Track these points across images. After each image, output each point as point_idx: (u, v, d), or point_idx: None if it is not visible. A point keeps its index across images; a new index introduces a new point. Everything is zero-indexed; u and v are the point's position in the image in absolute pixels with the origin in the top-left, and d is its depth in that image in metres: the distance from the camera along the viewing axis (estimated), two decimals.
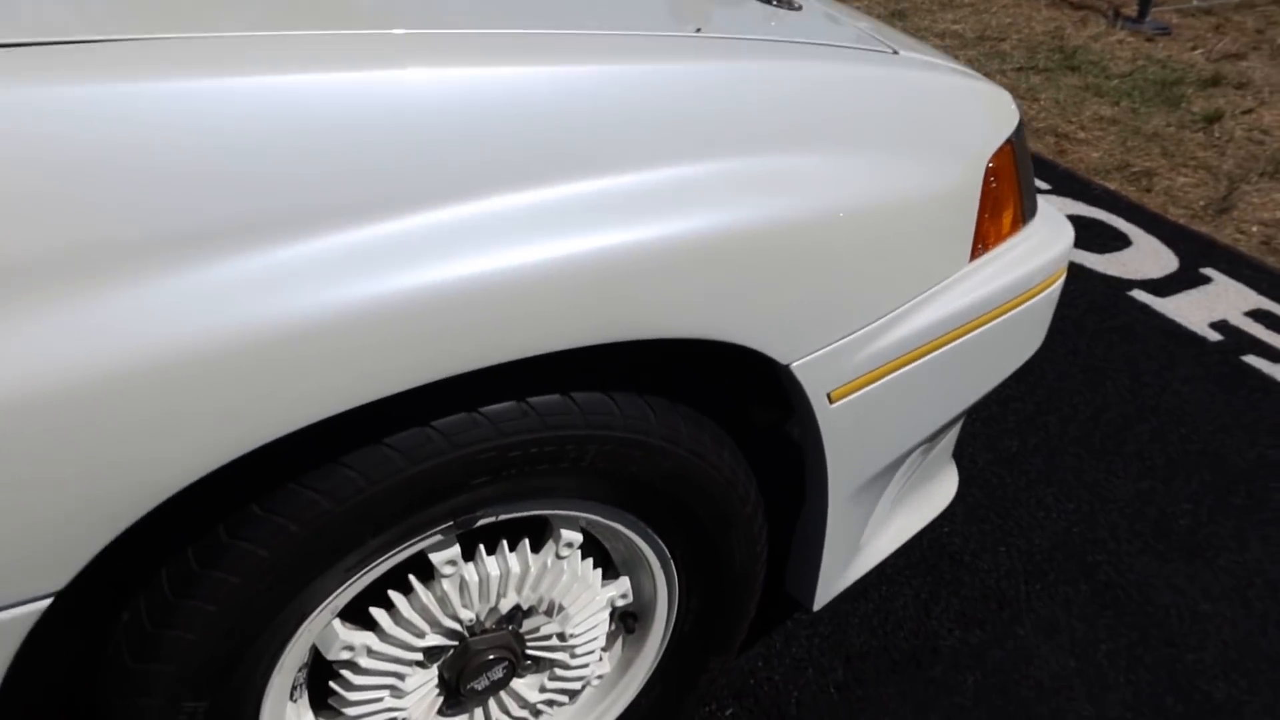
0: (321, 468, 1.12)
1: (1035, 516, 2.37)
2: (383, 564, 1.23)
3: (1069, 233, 1.81)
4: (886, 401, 1.54)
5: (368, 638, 1.31)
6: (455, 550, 1.31)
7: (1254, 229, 3.82)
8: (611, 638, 1.61)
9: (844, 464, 1.54)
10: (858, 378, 1.46)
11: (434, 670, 1.41)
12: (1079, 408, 2.75)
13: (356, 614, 1.31)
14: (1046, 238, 1.74)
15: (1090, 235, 3.63)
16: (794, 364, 1.35)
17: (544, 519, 1.43)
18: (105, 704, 1.14)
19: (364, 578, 1.23)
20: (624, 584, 1.52)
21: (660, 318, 1.18)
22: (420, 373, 1.04)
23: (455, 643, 1.39)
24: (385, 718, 1.38)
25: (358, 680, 1.33)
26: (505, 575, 1.37)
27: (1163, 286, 3.36)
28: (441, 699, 1.44)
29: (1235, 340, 3.10)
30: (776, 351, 1.32)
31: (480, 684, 1.42)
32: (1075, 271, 3.40)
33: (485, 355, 1.07)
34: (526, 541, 1.38)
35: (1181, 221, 3.84)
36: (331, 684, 1.34)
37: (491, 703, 1.49)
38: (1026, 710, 1.93)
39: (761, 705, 1.90)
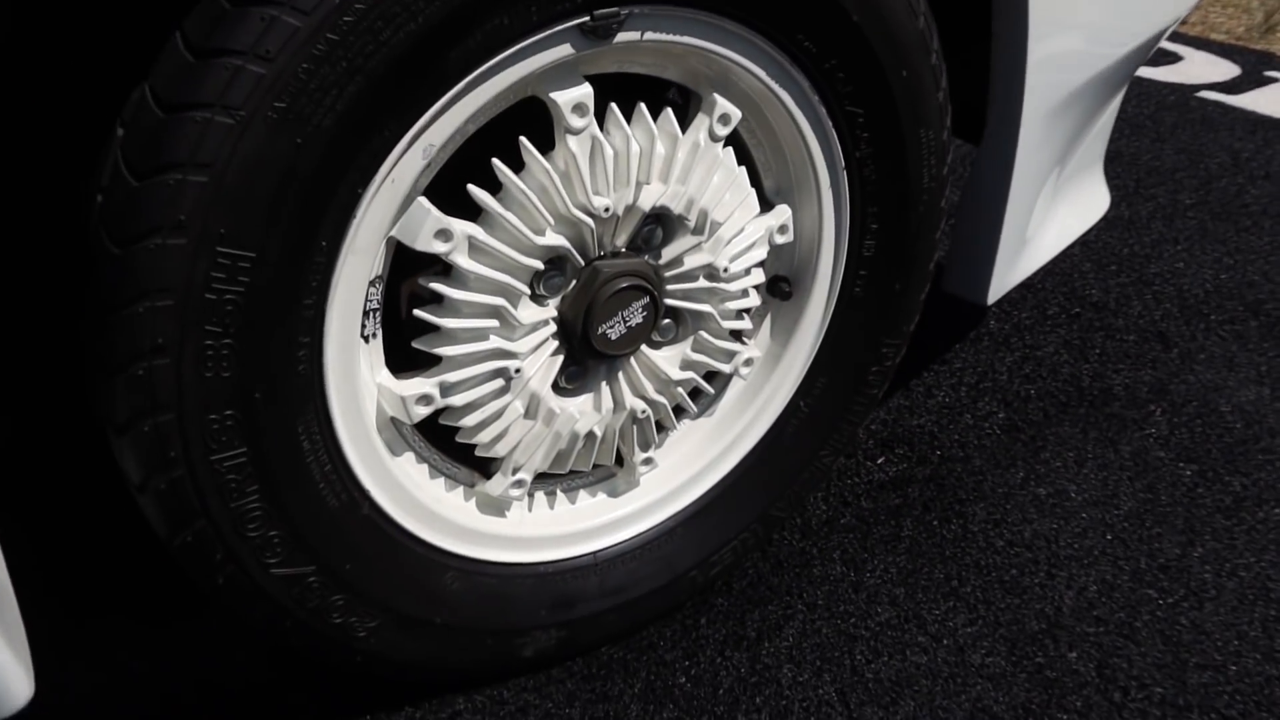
0: None
1: (1174, 268, 2.04)
2: (491, 78, 0.85)
3: None
4: None
5: (468, 226, 0.92)
6: (586, 92, 0.93)
7: None
8: (759, 321, 1.24)
9: (1046, 55, 1.19)
10: None
11: (551, 309, 1.02)
12: (1183, 181, 2.43)
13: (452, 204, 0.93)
14: None
15: None
16: None
17: (685, 107, 1.05)
18: None
19: (460, 105, 0.85)
20: (783, 212, 1.15)
21: None
22: None
23: (581, 261, 1.01)
24: (492, 369, 0.99)
25: (455, 294, 0.94)
26: (647, 154, 0.99)
27: (1231, 88, 3.08)
28: (562, 360, 1.06)
29: None
30: None
31: (613, 329, 1.04)
32: (1133, 82, 3.11)
33: None
34: (670, 112, 1.01)
35: (1228, 42, 3.58)
36: (419, 313, 0.95)
37: (622, 379, 1.11)
38: (1232, 433, 1.59)
39: (917, 451, 1.53)
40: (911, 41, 1.05)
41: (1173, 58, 3.36)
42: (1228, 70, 3.24)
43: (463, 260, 0.93)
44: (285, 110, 0.74)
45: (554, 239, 0.97)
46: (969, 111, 1.40)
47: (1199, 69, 3.25)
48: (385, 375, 0.98)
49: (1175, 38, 3.61)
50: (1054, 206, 1.55)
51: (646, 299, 1.05)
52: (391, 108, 0.79)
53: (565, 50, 0.88)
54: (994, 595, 1.30)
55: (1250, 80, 3.15)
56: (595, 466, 1.18)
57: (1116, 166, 2.51)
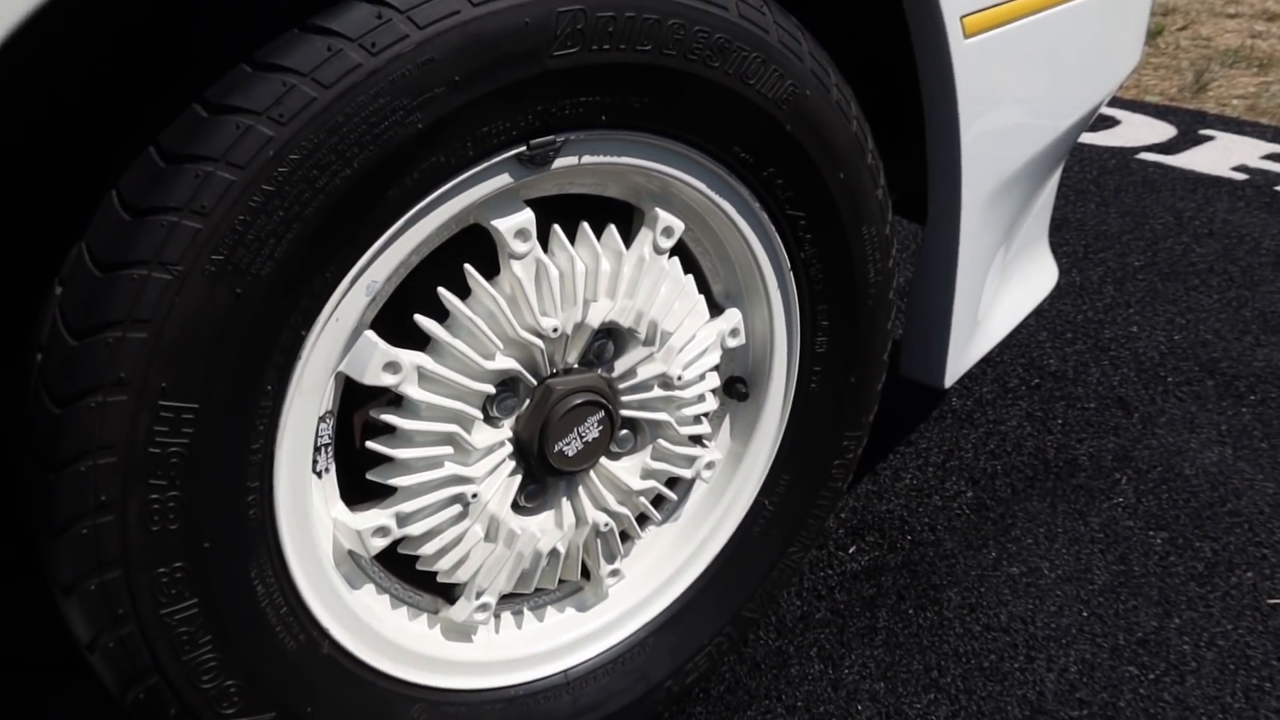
0: (343, 5, 0.76)
1: (1128, 331, 2.07)
2: (430, 213, 0.86)
3: None
4: (1019, 56, 1.24)
5: (417, 357, 0.92)
6: (528, 217, 0.94)
7: (1234, 102, 3.70)
8: (718, 424, 1.24)
9: (979, 145, 1.22)
10: (994, 4, 1.15)
11: (506, 430, 1.02)
12: (1130, 244, 2.49)
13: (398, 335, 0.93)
14: None
15: None
16: None
17: (628, 219, 1.07)
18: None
19: (401, 240, 0.86)
20: (733, 316, 1.16)
21: None
22: None
23: (534, 380, 1.01)
24: (449, 495, 0.98)
25: (407, 424, 0.93)
26: (593, 272, 1.00)
27: (1169, 148, 3.17)
28: (520, 478, 1.05)
29: (1263, 177, 2.90)
30: None
31: (570, 446, 1.04)
32: (1074, 147, 3.19)
33: None
34: (614, 228, 1.02)
35: (1162, 103, 3.70)
36: (371, 445, 0.94)
37: (583, 493, 1.10)
38: (1198, 496, 1.59)
39: (888, 538, 1.52)
40: (846, 144, 1.08)
41: (1111, 121, 3.47)
42: (1164, 131, 3.35)
43: (413, 391, 0.92)
44: (223, 262, 0.74)
45: (504, 362, 0.97)
46: (912, 196, 1.44)
47: (1137, 131, 3.35)
48: (340, 509, 0.97)
49: (1112, 101, 3.74)
50: (1003, 285, 1.58)
51: (601, 413, 1.05)
52: (332, 251, 0.80)
53: (504, 180, 0.90)
54: (975, 684, 1.29)
55: (1186, 140, 3.26)
56: (561, 582, 1.16)
57: (1064, 233, 2.57)
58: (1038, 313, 2.14)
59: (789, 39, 0.99)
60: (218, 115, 0.73)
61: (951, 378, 1.43)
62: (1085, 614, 1.39)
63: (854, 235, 1.14)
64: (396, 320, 0.93)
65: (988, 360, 1.97)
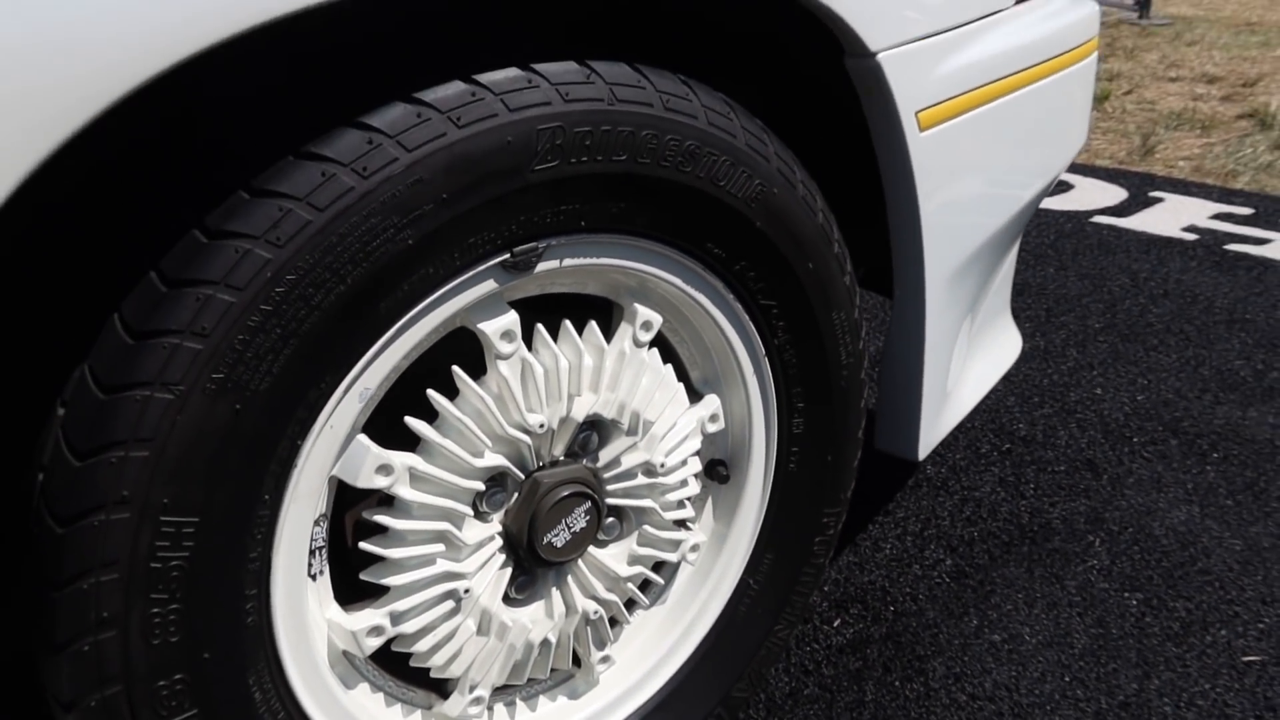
0: (335, 133, 0.80)
1: (1093, 394, 2.13)
2: (420, 320, 0.89)
3: (1091, 7, 1.66)
4: (973, 144, 1.30)
5: (408, 458, 0.95)
6: (513, 319, 0.98)
7: (1180, 163, 3.84)
8: (700, 506, 1.27)
9: (939, 228, 1.28)
10: (946, 99, 1.22)
11: (496, 524, 1.04)
12: (1090, 306, 2.57)
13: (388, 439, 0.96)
14: (1070, 5, 1.59)
15: None
16: (881, 53, 1.10)
17: (608, 311, 1.11)
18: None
19: (392, 348, 0.89)
20: (712, 402, 1.19)
21: None
22: None
23: (521, 475, 1.04)
24: (441, 591, 1.00)
25: (400, 525, 0.95)
26: (576, 368, 1.04)
27: (1121, 210, 3.29)
28: (510, 571, 1.07)
29: (1212, 236, 3.01)
30: (863, 27, 1.07)
31: (559, 537, 1.06)
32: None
33: None
34: (595, 324, 1.06)
35: (1112, 166, 3.84)
36: (364, 545, 0.96)
37: (571, 582, 1.12)
38: (1169, 556, 1.63)
39: (871, 609, 1.55)
40: (813, 236, 1.13)
41: (1065, 186, 3.59)
42: (1116, 194, 3.47)
43: (405, 491, 0.95)
44: (223, 380, 0.77)
45: (493, 459, 1.00)
46: (879, 271, 1.50)
47: (1090, 195, 3.48)
48: (335, 610, 0.98)
49: None
50: (970, 356, 1.63)
51: (588, 503, 1.07)
52: (327, 363, 0.83)
53: (490, 285, 0.93)
54: None
55: (1137, 202, 3.38)
56: (553, 670, 1.18)
57: (1026, 297, 2.64)
58: (1005, 378, 2.20)
59: (755, 141, 1.05)
60: (217, 240, 0.77)
61: (925, 449, 1.47)
62: (1067, 679, 1.41)
63: (824, 320, 1.18)
64: (386, 421, 0.96)
65: (959, 427, 2.02)
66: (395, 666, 1.06)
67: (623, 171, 0.95)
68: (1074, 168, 3.83)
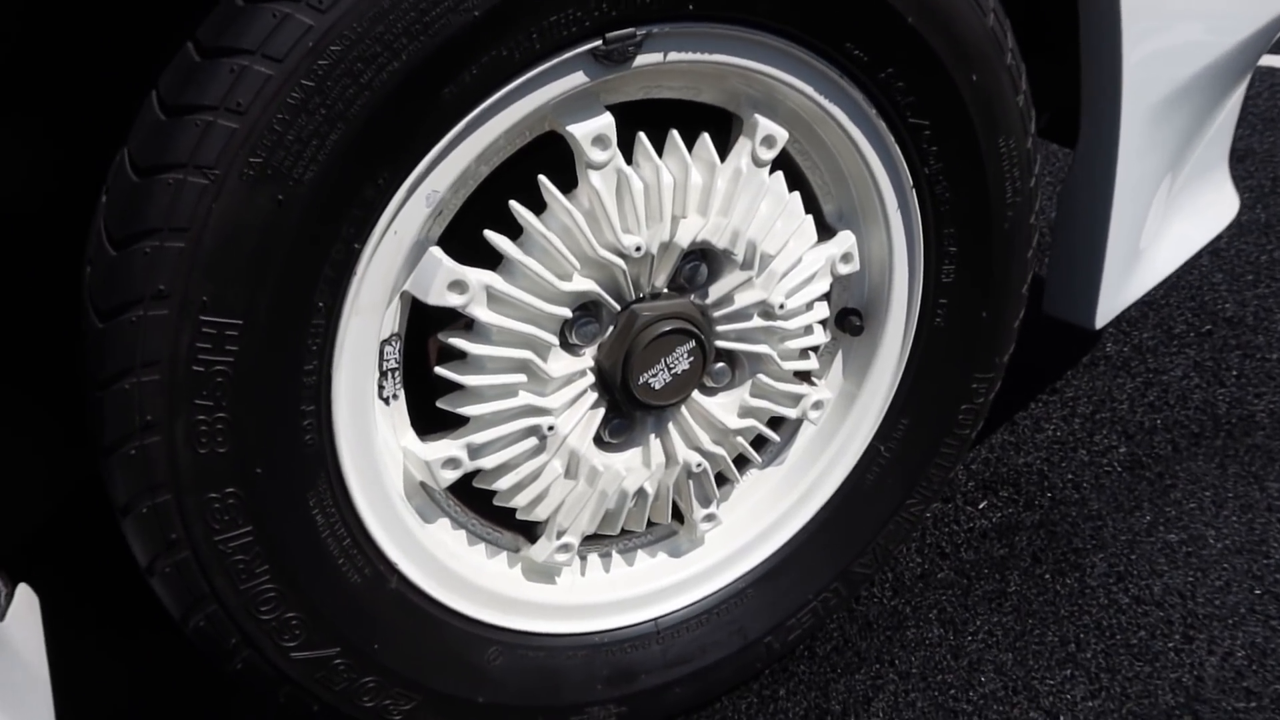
0: None
1: None
2: (495, 115, 0.78)
3: None
4: None
5: (486, 275, 0.85)
6: (607, 122, 0.85)
7: None
8: (828, 360, 1.12)
9: (1143, 52, 1.05)
10: None
11: (587, 358, 0.94)
12: None
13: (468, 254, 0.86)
14: None
15: None
16: None
17: (727, 128, 0.96)
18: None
19: (463, 146, 0.78)
20: (846, 239, 1.04)
21: None
22: None
23: (616, 305, 0.93)
24: (523, 427, 0.91)
25: (476, 349, 0.87)
26: (682, 185, 0.90)
27: None
28: (604, 412, 0.97)
29: None
30: None
31: (657, 378, 0.95)
32: (1262, 73, 2.84)
33: None
34: (708, 137, 0.92)
35: None
36: (440, 370, 0.88)
37: (673, 430, 1.02)
38: None
39: (1025, 494, 1.38)
40: (980, 42, 0.93)
41: None
42: None
43: (481, 312, 0.85)
44: (262, 166, 0.68)
45: (582, 284, 0.89)
46: (1059, 115, 1.27)
47: None
48: (411, 438, 0.92)
49: None
50: (1171, 214, 1.38)
51: (692, 343, 0.95)
52: (382, 155, 0.73)
53: (579, 79, 0.80)
54: (1119, 662, 1.14)
55: None
56: (652, 525, 1.09)
57: (1248, 165, 2.27)
58: (1213, 250, 1.89)
59: None
60: (254, 3, 0.67)
61: (1104, 318, 1.26)
62: (1259, 592, 1.21)
63: (988, 148, 0.99)
64: (472, 239, 0.87)
65: (1150, 301, 1.76)
66: (480, 505, 0.99)
67: None
68: None
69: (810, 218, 1.00)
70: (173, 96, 0.68)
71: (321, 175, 0.71)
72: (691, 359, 0.96)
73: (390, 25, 0.69)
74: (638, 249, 0.89)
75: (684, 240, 0.91)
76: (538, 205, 0.87)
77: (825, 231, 1.04)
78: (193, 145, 0.67)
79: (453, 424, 0.92)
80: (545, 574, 1.04)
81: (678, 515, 1.10)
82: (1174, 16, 1.09)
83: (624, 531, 1.06)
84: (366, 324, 0.82)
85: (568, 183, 0.87)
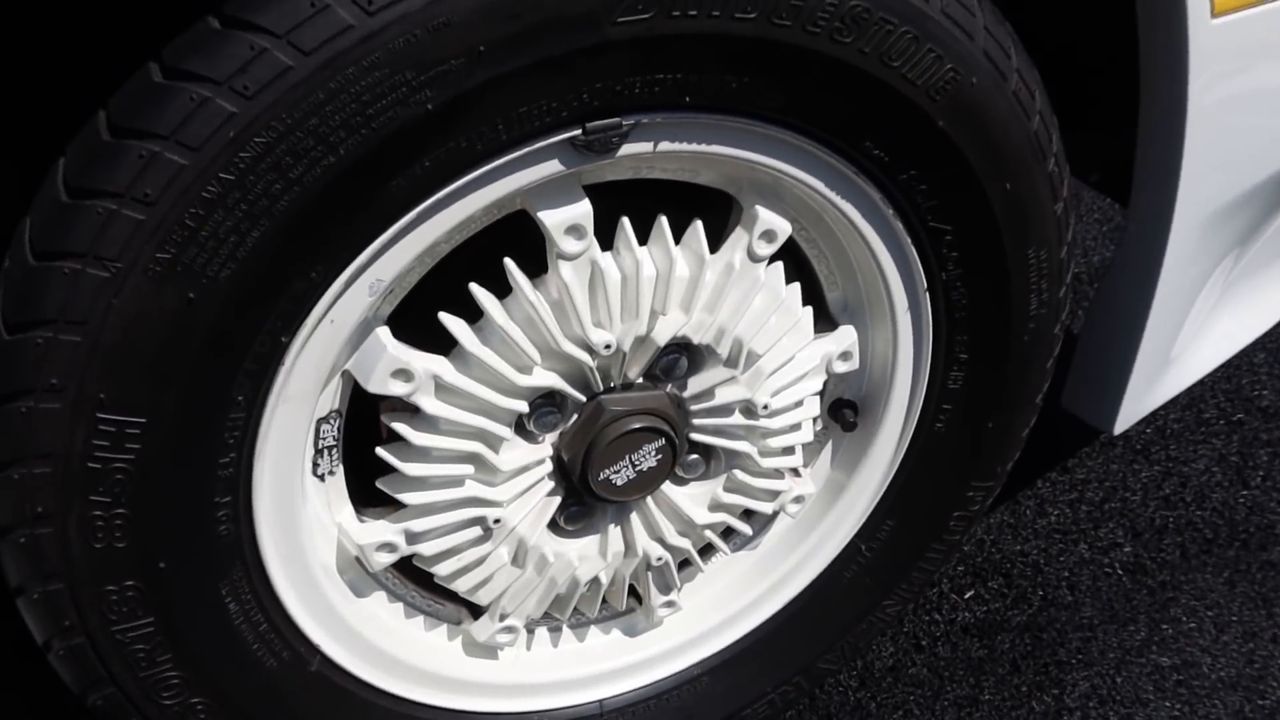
0: None
1: None
2: (452, 204, 0.69)
3: None
4: (1275, 43, 0.93)
5: (433, 363, 0.78)
6: (583, 211, 0.76)
7: None
8: (815, 450, 1.04)
9: (1208, 150, 0.94)
10: None
11: (546, 446, 0.87)
12: None
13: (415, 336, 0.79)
14: None
15: None
16: None
17: (728, 208, 0.87)
18: None
19: (413, 236, 0.70)
20: (846, 336, 0.95)
21: None
22: None
23: (582, 396, 0.85)
24: (467, 517, 0.85)
25: (420, 440, 0.80)
26: (664, 279, 0.82)
27: None
28: (559, 501, 0.90)
29: None
30: None
31: (620, 475, 0.88)
32: None
33: None
34: (699, 225, 0.83)
35: None
36: (380, 451, 0.82)
37: (635, 520, 0.95)
38: None
39: (1015, 587, 1.30)
40: (1019, 147, 0.83)
41: None
42: None
43: (428, 403, 0.78)
44: (171, 262, 0.61)
45: (542, 378, 0.81)
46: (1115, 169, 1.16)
47: None
48: (348, 514, 0.85)
49: None
50: (1218, 310, 1.27)
51: (662, 441, 0.88)
52: (315, 252, 0.65)
53: (553, 167, 0.72)
54: None
55: None
56: (605, 603, 1.03)
57: None
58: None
59: (957, 9, 0.74)
60: (172, 81, 0.59)
61: (1124, 424, 1.16)
62: None
63: (1015, 259, 0.89)
64: (426, 316, 0.79)
65: None
66: (421, 576, 0.93)
67: (750, 35, 0.69)
68: None
69: (809, 310, 0.91)
70: (76, 176, 0.61)
71: (241, 273, 0.63)
72: (660, 456, 0.89)
73: (326, 119, 0.60)
74: (608, 346, 0.81)
75: (661, 338, 0.83)
76: (503, 286, 0.79)
77: (827, 322, 0.96)
78: (94, 233, 0.60)
79: (393, 502, 0.86)
80: (487, 649, 0.98)
81: (636, 594, 1.04)
82: (1247, 119, 0.97)
83: (576, 609, 1.01)
84: (297, 412, 0.75)
85: (539, 263, 0.79)
